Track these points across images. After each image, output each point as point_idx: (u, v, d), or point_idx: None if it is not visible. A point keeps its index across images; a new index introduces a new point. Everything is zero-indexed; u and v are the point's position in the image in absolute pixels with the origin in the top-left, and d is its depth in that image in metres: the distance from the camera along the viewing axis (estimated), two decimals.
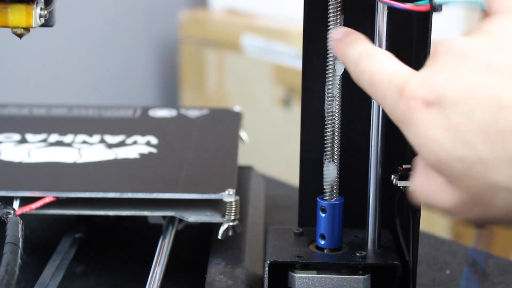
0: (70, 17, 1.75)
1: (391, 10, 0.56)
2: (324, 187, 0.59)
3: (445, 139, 0.42)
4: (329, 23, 0.57)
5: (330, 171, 0.59)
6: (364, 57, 0.47)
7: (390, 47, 0.57)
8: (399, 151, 0.61)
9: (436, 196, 0.44)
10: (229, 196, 0.62)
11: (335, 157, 0.59)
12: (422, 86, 0.43)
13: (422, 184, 0.45)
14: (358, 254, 0.58)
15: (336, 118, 0.58)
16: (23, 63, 1.76)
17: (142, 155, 0.71)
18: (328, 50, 0.58)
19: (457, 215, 0.43)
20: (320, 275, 0.58)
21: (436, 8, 0.51)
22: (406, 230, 0.60)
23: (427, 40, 0.56)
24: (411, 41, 0.59)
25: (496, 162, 0.41)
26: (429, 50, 0.56)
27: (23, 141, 0.74)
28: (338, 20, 0.57)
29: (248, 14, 1.82)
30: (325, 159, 0.59)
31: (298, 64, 0.64)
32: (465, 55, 0.42)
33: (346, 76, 0.59)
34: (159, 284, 0.59)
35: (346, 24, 0.58)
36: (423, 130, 0.43)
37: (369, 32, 0.59)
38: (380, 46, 0.57)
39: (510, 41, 0.42)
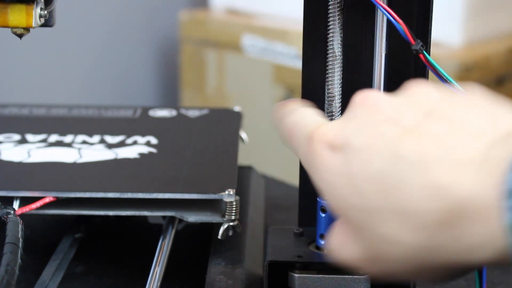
0: (70, 17, 1.75)
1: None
2: None
3: (344, 186, 0.42)
4: (329, 23, 0.57)
5: None
6: (287, 114, 0.49)
7: (390, 47, 0.57)
8: None
9: (342, 249, 0.44)
10: (229, 196, 0.62)
11: None
12: (330, 131, 0.44)
13: (334, 235, 0.45)
14: None
15: (336, 118, 0.58)
16: (23, 63, 1.76)
17: (142, 155, 0.71)
18: (328, 50, 0.58)
19: (362, 269, 0.44)
20: (320, 275, 0.58)
21: (419, 49, 0.51)
22: None
23: (427, 41, 0.56)
24: None
25: (387, 214, 0.41)
26: (429, 50, 0.56)
27: (23, 141, 0.74)
28: (338, 20, 0.57)
29: (248, 14, 1.82)
30: None
31: (298, 64, 0.64)
32: (377, 108, 0.43)
33: (346, 76, 0.59)
34: (159, 284, 0.59)
35: (346, 24, 0.58)
36: (326, 174, 0.43)
37: (369, 32, 0.59)
38: (380, 46, 0.57)
39: (425, 99, 0.43)
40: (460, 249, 0.39)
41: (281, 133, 0.49)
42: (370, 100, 0.44)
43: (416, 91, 0.44)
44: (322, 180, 0.44)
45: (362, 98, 0.44)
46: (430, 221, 0.39)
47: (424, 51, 0.52)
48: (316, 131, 0.45)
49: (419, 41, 0.52)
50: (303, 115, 0.48)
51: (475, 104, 0.42)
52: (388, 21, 0.56)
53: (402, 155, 0.41)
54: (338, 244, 0.44)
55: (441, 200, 0.39)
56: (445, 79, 0.51)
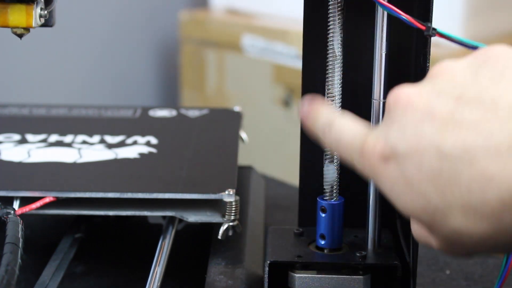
0: (70, 17, 1.75)
1: None
2: (324, 187, 0.59)
3: (405, 193, 0.44)
4: (329, 23, 0.57)
5: (330, 171, 0.59)
6: (326, 129, 0.50)
7: (390, 47, 0.57)
8: None
9: (427, 240, 0.46)
10: (229, 196, 0.62)
11: (335, 157, 0.59)
12: (378, 142, 0.45)
13: (415, 229, 0.47)
14: (358, 254, 0.58)
15: None
16: (23, 63, 1.76)
17: (142, 155, 0.71)
18: (328, 50, 0.58)
19: (448, 253, 0.46)
20: (320, 275, 0.58)
21: (431, 33, 0.51)
22: (406, 230, 0.60)
23: (427, 40, 0.56)
24: (411, 41, 0.59)
25: (450, 210, 0.42)
26: (429, 50, 0.56)
27: (23, 141, 0.74)
28: (338, 20, 0.57)
29: (248, 14, 1.82)
30: (325, 159, 0.59)
31: (298, 64, 0.64)
32: (410, 105, 0.44)
33: (346, 76, 0.59)
34: (159, 284, 0.59)
35: (346, 24, 0.58)
36: (388, 186, 0.45)
37: (369, 32, 0.59)
38: (380, 46, 0.57)
39: (450, 84, 0.44)
40: None
41: (328, 147, 0.50)
42: (401, 99, 0.45)
43: (440, 74, 0.45)
44: (387, 191, 0.45)
45: (394, 99, 0.45)
46: (489, 211, 0.41)
47: (438, 30, 0.51)
48: (365, 146, 0.46)
49: (428, 24, 0.52)
50: (344, 129, 0.49)
51: (501, 73, 0.43)
52: (388, 21, 0.56)
53: (446, 151, 0.42)
54: (419, 235, 0.46)
55: (494, 191, 0.41)
56: (472, 46, 0.50)
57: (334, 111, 0.51)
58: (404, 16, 0.52)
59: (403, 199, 0.44)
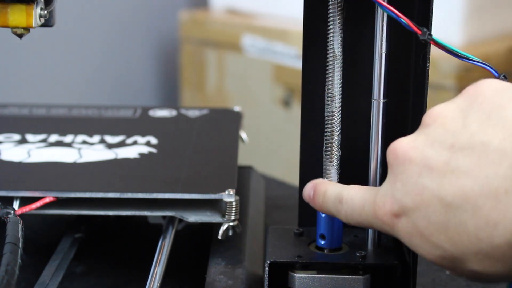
0: (70, 17, 1.75)
1: None
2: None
3: (422, 244, 0.46)
4: (329, 23, 0.57)
5: (331, 167, 0.59)
6: (338, 204, 0.52)
7: (390, 47, 0.57)
8: None
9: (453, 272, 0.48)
10: (229, 196, 0.62)
11: (335, 157, 0.59)
12: (386, 201, 0.47)
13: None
14: (358, 254, 0.58)
15: (336, 118, 0.58)
16: (23, 63, 1.76)
17: (142, 155, 0.71)
18: (328, 50, 0.58)
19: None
20: (320, 275, 0.58)
21: (427, 38, 0.52)
22: None
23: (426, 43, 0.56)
24: (411, 41, 0.59)
25: (466, 256, 0.44)
26: (429, 50, 0.56)
27: (23, 141, 0.74)
28: (338, 20, 0.57)
29: (248, 14, 1.82)
30: (325, 159, 0.59)
31: (298, 64, 0.64)
32: (408, 160, 0.46)
33: (346, 76, 0.59)
34: (159, 284, 0.59)
35: (346, 24, 0.58)
36: (406, 239, 0.47)
37: (369, 32, 0.59)
38: (380, 46, 0.57)
39: (442, 132, 0.46)
40: None
41: (345, 221, 0.52)
42: (399, 155, 0.47)
43: (433, 121, 0.47)
44: (406, 242, 0.47)
45: (393, 155, 0.47)
46: (500, 255, 0.43)
47: (433, 37, 0.52)
48: (375, 207, 0.48)
49: (424, 29, 0.52)
50: (354, 200, 0.51)
51: (488, 115, 0.45)
52: (388, 21, 0.56)
53: (448, 202, 0.44)
54: (448, 268, 0.48)
55: (501, 237, 0.43)
56: (464, 57, 0.51)
57: (339, 185, 0.53)
58: (402, 18, 0.52)
59: (422, 249, 0.46)
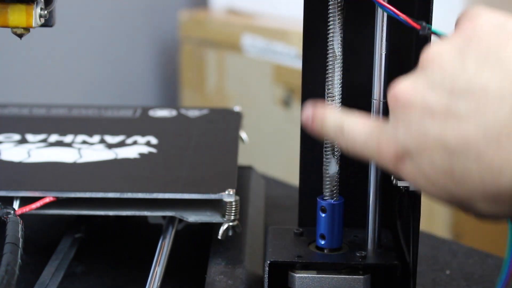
0: (70, 17, 1.75)
1: None
2: (324, 184, 0.59)
3: (429, 187, 0.46)
4: (329, 23, 0.57)
5: (331, 166, 0.59)
6: (337, 134, 0.51)
7: (390, 47, 0.57)
8: None
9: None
10: (229, 196, 0.62)
11: (335, 157, 0.59)
12: (390, 144, 0.47)
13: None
14: (358, 254, 0.58)
15: None
16: (23, 63, 1.76)
17: (142, 155, 0.71)
18: (328, 50, 0.58)
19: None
20: (320, 275, 0.58)
21: (426, 32, 0.51)
22: (406, 230, 0.60)
23: (427, 40, 0.56)
24: (411, 40, 0.59)
25: (473, 199, 0.44)
26: None
27: (23, 141, 0.74)
28: (338, 20, 0.57)
29: (248, 14, 1.82)
30: (325, 159, 0.59)
31: (298, 64, 0.64)
32: (408, 103, 0.46)
33: (346, 76, 0.59)
34: (159, 284, 0.59)
35: (346, 24, 0.58)
36: (412, 181, 0.47)
37: (369, 32, 0.59)
38: (380, 46, 0.57)
39: (440, 75, 0.45)
40: None
41: (343, 150, 0.51)
42: (400, 98, 0.46)
43: (430, 62, 0.46)
44: (412, 184, 0.47)
45: (394, 99, 0.46)
46: (507, 197, 0.43)
47: (432, 29, 0.51)
48: (379, 148, 0.47)
49: (423, 24, 0.51)
50: (356, 131, 0.49)
51: (485, 56, 0.44)
52: (388, 21, 0.56)
53: (452, 148, 0.43)
54: (457, 208, 0.48)
55: (506, 181, 0.42)
56: None
57: (340, 112, 0.52)
58: (400, 15, 0.52)
59: (429, 191, 0.46)
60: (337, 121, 0.51)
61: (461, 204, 0.45)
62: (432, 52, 0.46)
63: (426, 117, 0.44)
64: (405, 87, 0.46)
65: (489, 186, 0.43)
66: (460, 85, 0.44)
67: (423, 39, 0.54)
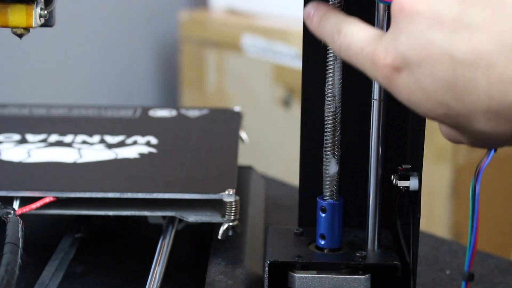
0: (70, 17, 1.75)
1: None
2: (324, 184, 0.59)
3: (424, 101, 0.44)
4: None
5: (331, 166, 0.59)
6: (335, 33, 0.49)
7: None
8: (399, 151, 0.61)
9: (455, 138, 0.46)
10: (229, 196, 0.62)
11: (335, 157, 0.59)
12: (388, 53, 0.44)
13: (442, 130, 0.47)
14: (358, 254, 0.58)
15: (336, 118, 0.58)
16: (23, 63, 1.76)
17: (142, 155, 0.71)
18: (328, 50, 0.58)
19: (478, 147, 0.46)
20: (320, 275, 0.58)
21: None
22: (406, 230, 0.60)
23: None
24: None
25: (472, 115, 0.42)
26: None
27: (23, 141, 0.74)
28: None
29: (248, 14, 1.82)
30: (325, 159, 0.59)
31: (298, 64, 0.64)
32: (415, 13, 0.43)
33: (346, 76, 0.59)
34: (159, 284, 0.59)
35: None
36: (405, 95, 0.44)
37: None
38: None
39: (426, 75, 0.43)
40: None
41: (336, 52, 0.49)
42: (406, 7, 0.44)
43: None
44: (404, 100, 0.45)
45: (399, 7, 0.44)
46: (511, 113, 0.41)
47: None
48: (375, 56, 0.45)
49: None
50: (353, 36, 0.47)
51: None
52: (388, 21, 0.56)
53: (459, 58, 0.42)
54: (447, 135, 0.47)
55: None
56: None
57: (342, 15, 0.50)
58: None
59: (423, 107, 0.44)
60: (337, 21, 0.49)
61: (457, 121, 0.43)
62: None
63: (433, 27, 0.42)
64: None
65: (495, 99, 0.41)
66: None
67: None
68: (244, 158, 0.77)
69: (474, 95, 0.42)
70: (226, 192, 0.62)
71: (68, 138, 0.75)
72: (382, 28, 0.56)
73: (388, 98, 0.58)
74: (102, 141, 0.74)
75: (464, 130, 0.44)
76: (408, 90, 0.44)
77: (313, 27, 0.51)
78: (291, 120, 1.67)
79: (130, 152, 0.71)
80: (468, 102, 0.42)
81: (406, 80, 0.44)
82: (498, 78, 0.41)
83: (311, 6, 0.51)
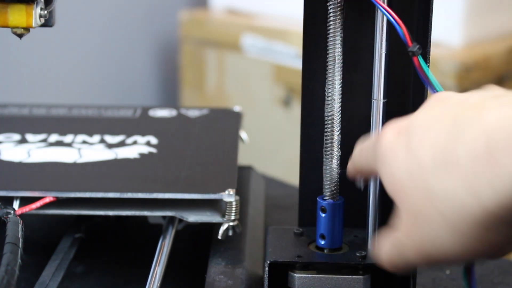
0: (70, 17, 1.75)
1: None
2: (325, 184, 0.59)
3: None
4: (329, 23, 0.57)
5: (331, 166, 0.59)
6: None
7: (390, 47, 0.57)
8: None
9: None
10: (229, 196, 0.62)
11: (335, 157, 0.59)
12: (396, 122, 0.46)
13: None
14: (358, 254, 0.58)
15: (336, 118, 0.58)
16: (23, 63, 1.76)
17: (142, 155, 0.71)
18: (328, 50, 0.58)
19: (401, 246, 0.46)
20: (320, 275, 0.58)
21: (416, 52, 0.52)
22: None
23: (427, 40, 0.56)
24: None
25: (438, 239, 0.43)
26: (429, 50, 0.56)
27: (23, 141, 0.74)
28: (338, 20, 0.57)
29: (248, 14, 1.82)
30: (325, 159, 0.59)
31: (298, 64, 0.64)
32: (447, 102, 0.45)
33: (346, 76, 0.59)
34: (159, 284, 0.59)
35: (346, 24, 0.58)
36: (389, 158, 0.46)
37: (369, 32, 0.59)
38: (380, 46, 0.57)
39: (419, 140, 0.44)
40: None
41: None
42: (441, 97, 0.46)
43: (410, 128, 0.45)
44: (388, 170, 0.46)
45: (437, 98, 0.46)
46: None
47: (419, 55, 0.52)
48: (383, 130, 0.47)
49: (416, 44, 0.52)
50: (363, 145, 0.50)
51: (457, 128, 0.43)
52: (388, 21, 0.56)
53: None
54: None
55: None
56: (433, 87, 0.51)
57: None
58: (400, 24, 0.52)
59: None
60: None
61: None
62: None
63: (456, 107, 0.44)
64: (389, 141, 0.46)
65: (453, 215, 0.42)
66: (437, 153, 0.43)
67: (424, 39, 0.54)
68: (244, 158, 0.77)
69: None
70: (226, 192, 0.62)
71: (68, 138, 0.75)
72: (381, 27, 0.56)
73: (388, 98, 0.58)
74: (102, 141, 0.74)
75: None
76: (393, 150, 0.46)
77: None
78: (291, 120, 1.67)
79: (130, 152, 0.71)
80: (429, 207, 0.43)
81: (399, 142, 0.45)
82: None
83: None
